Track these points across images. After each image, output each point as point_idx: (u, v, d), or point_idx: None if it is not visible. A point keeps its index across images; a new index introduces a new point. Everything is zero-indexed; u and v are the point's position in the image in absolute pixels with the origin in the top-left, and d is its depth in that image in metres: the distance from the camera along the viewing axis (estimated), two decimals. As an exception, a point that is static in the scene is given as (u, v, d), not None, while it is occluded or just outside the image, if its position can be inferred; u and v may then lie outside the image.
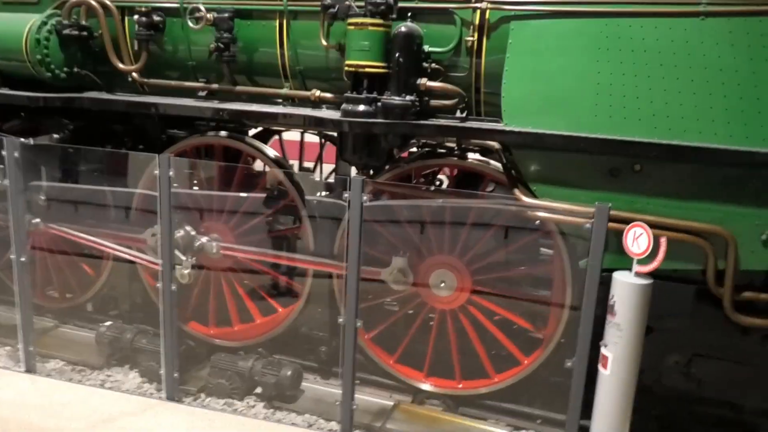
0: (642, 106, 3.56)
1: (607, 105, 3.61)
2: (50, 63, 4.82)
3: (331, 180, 5.83)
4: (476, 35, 3.98)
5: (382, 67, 3.98)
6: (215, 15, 4.44)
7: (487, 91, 4.10)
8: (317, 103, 4.50)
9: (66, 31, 4.76)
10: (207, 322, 5.21)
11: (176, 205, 4.45)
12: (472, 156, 4.71)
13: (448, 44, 4.06)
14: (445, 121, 4.11)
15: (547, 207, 3.85)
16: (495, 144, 4.32)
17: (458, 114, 4.13)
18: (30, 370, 5.00)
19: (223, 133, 5.04)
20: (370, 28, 3.92)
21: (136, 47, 4.86)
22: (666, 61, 3.52)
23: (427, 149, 4.85)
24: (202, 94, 4.78)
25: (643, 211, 3.65)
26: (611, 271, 3.57)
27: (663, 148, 3.51)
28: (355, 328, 4.10)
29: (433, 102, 4.11)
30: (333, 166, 6.23)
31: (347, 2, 4.04)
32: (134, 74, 4.87)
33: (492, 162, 4.59)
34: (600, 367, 3.62)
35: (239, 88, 4.69)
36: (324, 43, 4.27)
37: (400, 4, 4.04)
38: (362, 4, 3.95)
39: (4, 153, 4.59)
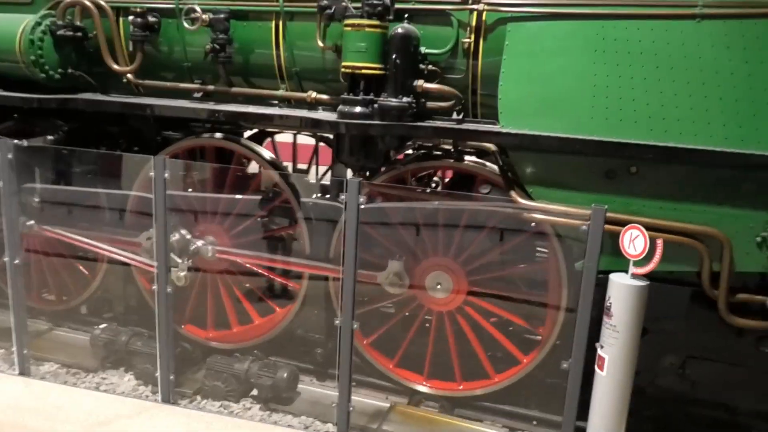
0: (638, 108, 3.56)
1: (604, 107, 3.61)
2: (44, 64, 4.79)
3: (324, 181, 5.82)
4: (473, 37, 3.98)
5: (379, 69, 3.98)
6: (211, 16, 4.41)
7: (483, 93, 4.10)
8: (313, 105, 4.49)
9: (60, 32, 4.73)
10: (201, 324, 5.19)
11: (171, 208, 4.43)
12: (469, 158, 4.71)
13: (445, 46, 4.06)
14: (441, 122, 4.11)
15: (543, 209, 3.85)
16: (491, 146, 4.33)
17: (455, 116, 4.13)
18: (24, 373, 4.96)
19: (218, 134, 5.03)
20: (367, 29, 3.91)
21: (131, 48, 4.83)
22: (662, 64, 3.53)
23: (422, 151, 4.85)
24: (198, 95, 4.75)
25: (639, 213, 3.66)
26: (606, 273, 3.58)
27: (659, 150, 3.52)
28: (352, 329, 4.09)
29: (430, 104, 4.11)
30: (325, 167, 6.24)
31: (344, 3, 4.03)
32: (129, 75, 4.84)
33: (488, 164, 4.59)
34: (597, 369, 3.63)
35: (235, 89, 4.67)
36: (320, 44, 4.25)
37: (397, 6, 4.03)
38: (359, 5, 3.94)
39: (-3, 155, 4.57)
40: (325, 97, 4.42)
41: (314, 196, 5.00)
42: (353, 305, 4.04)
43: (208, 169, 5.04)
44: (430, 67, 4.09)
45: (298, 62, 4.48)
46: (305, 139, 6.36)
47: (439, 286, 4.52)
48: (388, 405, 4.67)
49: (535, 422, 4.52)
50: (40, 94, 4.91)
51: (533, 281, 4.53)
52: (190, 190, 4.97)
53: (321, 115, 4.38)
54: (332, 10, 4.07)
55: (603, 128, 3.60)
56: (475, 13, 3.94)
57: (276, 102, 4.65)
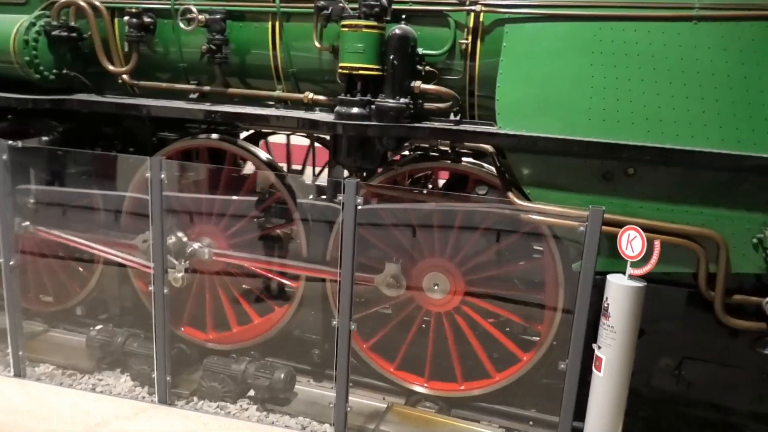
0: (635, 110, 3.57)
1: (601, 109, 3.62)
2: (39, 64, 4.75)
3: (319, 182, 5.82)
4: (470, 38, 3.97)
5: (376, 70, 3.97)
6: (207, 16, 4.39)
7: (481, 95, 4.10)
8: (310, 106, 4.48)
9: (55, 32, 4.70)
10: (200, 326, 5.19)
11: (168, 209, 4.41)
12: (465, 159, 4.72)
13: (442, 47, 4.05)
14: (439, 123, 4.11)
15: (541, 210, 3.86)
16: (489, 147, 4.33)
17: (452, 117, 4.13)
18: (19, 374, 4.94)
19: (214, 135, 5.01)
20: (364, 30, 3.90)
21: (126, 49, 4.80)
22: (659, 65, 3.53)
23: (419, 152, 4.85)
24: (194, 96, 4.73)
25: (636, 214, 3.67)
26: (602, 274, 3.60)
27: (656, 151, 3.53)
28: (349, 330, 4.09)
29: (427, 105, 4.10)
30: (319, 168, 6.24)
31: (341, 4, 4.02)
32: (125, 76, 4.82)
33: (485, 165, 4.60)
34: (594, 369, 3.64)
35: (231, 90, 4.65)
36: (317, 45, 4.24)
37: (394, 6, 4.02)
38: (356, 6, 3.93)
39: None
40: (321, 98, 4.41)
41: (310, 196, 5.00)
42: (351, 305, 4.04)
43: (205, 170, 5.02)
44: (427, 68, 4.08)
45: (294, 63, 4.47)
46: (297, 140, 6.35)
47: (436, 287, 4.53)
48: (385, 405, 4.67)
49: (531, 422, 4.54)
50: (35, 94, 4.87)
51: (531, 282, 4.55)
52: (186, 191, 4.96)
53: (318, 116, 4.37)
54: (329, 11, 4.05)
55: (600, 130, 3.61)
56: (472, 14, 3.93)
57: (272, 103, 4.63)
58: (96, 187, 5.13)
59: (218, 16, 4.40)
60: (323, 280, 4.74)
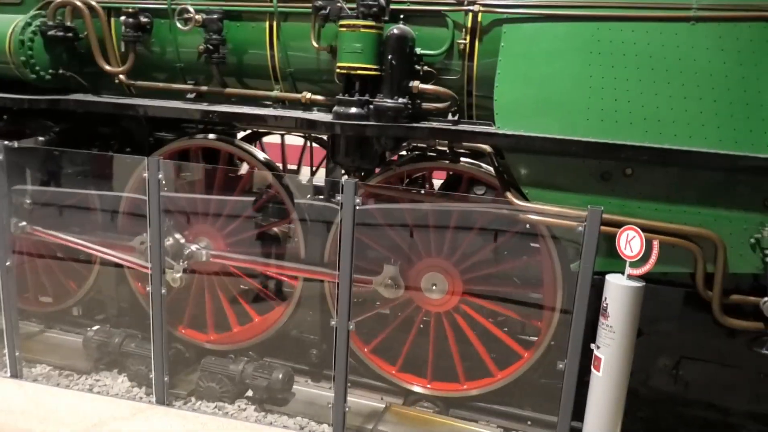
0: (633, 110, 3.57)
1: (599, 109, 3.62)
2: (35, 64, 4.72)
3: (316, 182, 5.81)
4: (468, 38, 3.97)
5: (374, 70, 3.96)
6: (204, 16, 4.37)
7: (479, 95, 4.10)
8: (308, 106, 4.47)
9: (51, 32, 4.67)
10: (201, 328, 5.18)
11: (165, 209, 4.40)
12: (464, 159, 4.72)
13: (441, 47, 4.05)
14: (437, 123, 4.11)
15: (539, 210, 3.86)
16: (487, 147, 4.33)
17: (450, 117, 4.12)
18: (16, 375, 4.93)
19: (212, 135, 5.00)
20: (362, 29, 3.88)
21: (122, 49, 4.78)
22: (657, 66, 3.54)
23: (417, 152, 4.85)
24: (191, 96, 4.71)
25: (634, 214, 3.68)
26: (600, 274, 3.60)
27: (654, 152, 3.53)
28: (348, 330, 4.09)
29: (425, 105, 4.10)
30: (315, 168, 6.23)
31: (339, 4, 4.01)
32: (121, 76, 4.79)
33: (483, 165, 4.60)
34: (593, 369, 3.65)
35: (229, 90, 4.64)
36: (315, 44, 4.23)
37: (392, 6, 4.01)
38: (354, 5, 3.92)
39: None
40: (319, 97, 4.40)
41: (308, 196, 4.99)
42: (349, 305, 4.04)
43: (202, 170, 5.00)
44: (425, 68, 4.08)
45: (292, 63, 4.46)
46: (291, 140, 6.33)
47: (434, 287, 4.52)
48: (383, 405, 4.67)
49: (529, 422, 4.54)
50: (31, 94, 4.85)
51: (529, 282, 4.55)
52: (184, 191, 4.95)
53: (316, 115, 4.36)
54: (327, 11, 4.04)
55: (598, 130, 3.61)
56: (470, 14, 3.92)
57: (270, 103, 4.62)
58: (93, 187, 5.10)
59: (215, 16, 4.39)
60: (321, 280, 4.73)
